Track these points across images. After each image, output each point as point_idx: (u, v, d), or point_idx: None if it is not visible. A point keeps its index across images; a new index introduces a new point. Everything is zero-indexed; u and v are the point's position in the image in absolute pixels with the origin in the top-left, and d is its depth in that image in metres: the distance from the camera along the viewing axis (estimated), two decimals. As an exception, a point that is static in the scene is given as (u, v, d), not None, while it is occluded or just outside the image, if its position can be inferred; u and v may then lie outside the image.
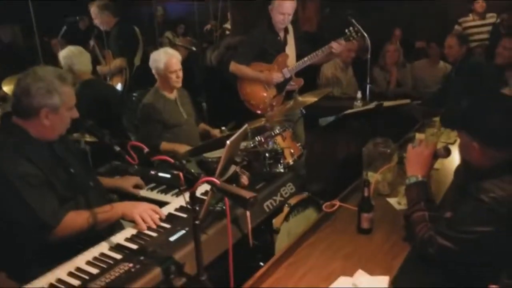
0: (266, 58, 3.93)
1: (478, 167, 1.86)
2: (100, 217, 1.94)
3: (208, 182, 1.51)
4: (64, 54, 3.71)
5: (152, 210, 1.98)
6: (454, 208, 1.94)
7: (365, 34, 3.87)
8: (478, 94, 1.95)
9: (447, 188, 2.47)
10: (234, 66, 3.94)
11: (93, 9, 4.72)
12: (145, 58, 4.29)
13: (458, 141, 1.98)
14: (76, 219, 1.94)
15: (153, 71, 3.34)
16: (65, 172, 2.07)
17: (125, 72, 4.72)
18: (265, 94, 3.98)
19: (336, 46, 3.76)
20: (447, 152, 2.09)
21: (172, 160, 1.61)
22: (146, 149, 1.70)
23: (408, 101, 3.60)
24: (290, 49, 3.99)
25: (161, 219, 2.01)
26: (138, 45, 4.96)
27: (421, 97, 4.52)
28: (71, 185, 2.06)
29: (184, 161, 1.59)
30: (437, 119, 3.33)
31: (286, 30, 3.97)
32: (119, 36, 4.73)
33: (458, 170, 2.28)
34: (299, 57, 3.96)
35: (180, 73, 3.32)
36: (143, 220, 1.93)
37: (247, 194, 1.43)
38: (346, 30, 3.77)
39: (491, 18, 6.08)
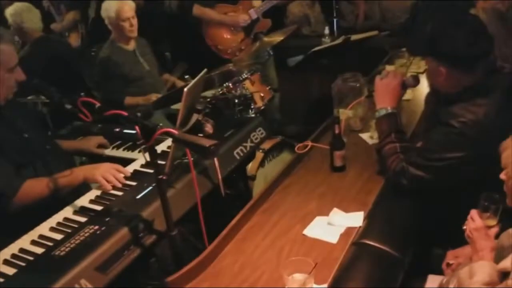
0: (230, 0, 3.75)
1: (447, 92, 1.83)
2: (60, 182, 1.84)
3: (165, 133, 1.42)
4: (12, 11, 3.46)
5: (115, 169, 1.89)
6: (425, 137, 1.92)
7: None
8: (444, 18, 1.87)
9: (419, 118, 2.44)
10: (198, 9, 3.74)
11: None
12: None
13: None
14: (34, 186, 1.84)
15: (106, 21, 3.14)
16: (18, 138, 1.95)
17: (80, 26, 4.47)
18: (232, 38, 3.82)
19: None
20: (416, 81, 2.03)
21: (125, 114, 1.51)
22: (97, 104, 1.58)
23: (376, 32, 3.49)
24: None
25: (126, 177, 1.92)
26: None
27: (391, 28, 4.40)
28: (26, 150, 1.94)
29: (139, 114, 1.48)
30: (405, 49, 3.25)
31: None
32: None
33: (428, 98, 2.24)
34: None
35: (134, 21, 3.13)
36: (107, 181, 1.84)
37: (207, 142, 1.35)
38: None
39: None
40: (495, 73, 1.79)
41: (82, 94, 1.62)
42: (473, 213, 1.51)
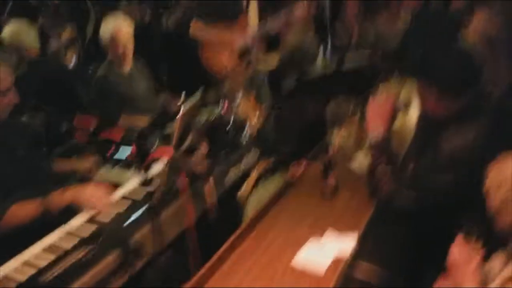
0: (226, 16, 3.78)
1: (437, 116, 1.85)
2: (47, 205, 1.83)
3: (160, 155, 1.43)
4: (11, 30, 3.49)
5: (101, 191, 1.89)
6: (416, 159, 1.93)
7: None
8: (434, 42, 1.91)
9: (410, 141, 2.45)
10: (195, 28, 3.78)
11: None
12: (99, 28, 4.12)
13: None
14: (21, 210, 1.83)
15: (103, 42, 3.18)
16: (12, 157, 1.96)
17: (77, 43, 4.51)
18: (228, 59, 3.84)
19: (298, 7, 3.71)
20: (407, 105, 2.05)
21: (122, 134, 1.52)
22: (93, 125, 1.59)
23: (365, 62, 3.56)
24: (253, 12, 3.86)
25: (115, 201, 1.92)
26: (89, 14, 4.74)
27: (383, 51, 4.47)
28: (20, 169, 1.96)
29: (136, 134, 1.49)
30: (397, 73, 3.28)
31: None
32: (67, 4, 4.52)
33: (418, 122, 2.26)
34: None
35: (130, 45, 3.16)
36: (94, 204, 1.85)
37: (201, 165, 1.35)
38: None
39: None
40: (484, 97, 1.83)
41: (79, 113, 1.63)
42: (456, 244, 1.52)
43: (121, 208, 1.91)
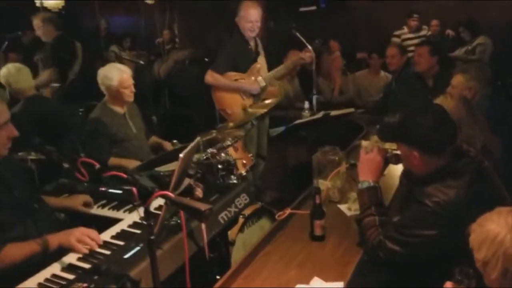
0: (239, 67, 3.94)
1: (420, 174, 1.96)
2: (35, 249, 1.84)
3: (162, 196, 1.50)
4: (2, 73, 3.64)
5: (88, 233, 1.90)
6: (401, 213, 2.02)
7: (310, 47, 3.98)
8: (412, 105, 2.05)
9: (393, 194, 2.57)
10: (211, 77, 3.88)
11: (36, 22, 4.84)
12: (85, 73, 4.39)
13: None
14: (14, 250, 1.83)
15: (103, 88, 3.27)
16: (8, 196, 1.98)
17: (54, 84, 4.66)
18: (242, 103, 3.96)
19: (306, 55, 3.96)
20: (397, 160, 2.15)
21: (124, 175, 1.59)
22: (97, 165, 1.66)
23: (352, 110, 3.75)
24: (262, 60, 4.04)
25: (113, 236, 1.95)
26: (76, 59, 4.95)
27: (365, 105, 4.70)
28: (15, 208, 1.97)
29: (137, 176, 1.57)
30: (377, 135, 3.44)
31: (256, 42, 4.02)
32: (55, 47, 4.79)
33: (402, 177, 2.38)
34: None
35: (133, 88, 3.29)
36: (84, 243, 1.87)
37: (202, 206, 1.44)
38: (316, 41, 4.01)
39: (424, 30, 6.45)
40: (463, 156, 1.96)
41: (82, 154, 1.70)
42: (448, 285, 1.60)
43: (118, 245, 1.95)
